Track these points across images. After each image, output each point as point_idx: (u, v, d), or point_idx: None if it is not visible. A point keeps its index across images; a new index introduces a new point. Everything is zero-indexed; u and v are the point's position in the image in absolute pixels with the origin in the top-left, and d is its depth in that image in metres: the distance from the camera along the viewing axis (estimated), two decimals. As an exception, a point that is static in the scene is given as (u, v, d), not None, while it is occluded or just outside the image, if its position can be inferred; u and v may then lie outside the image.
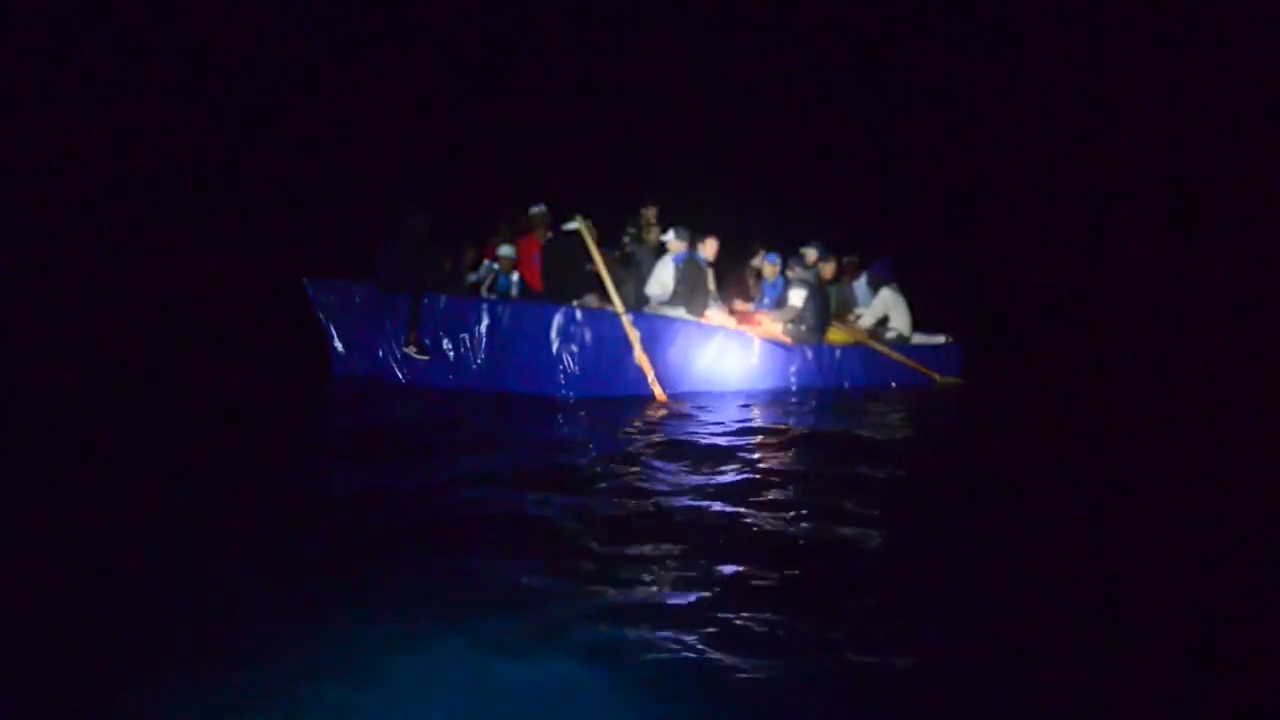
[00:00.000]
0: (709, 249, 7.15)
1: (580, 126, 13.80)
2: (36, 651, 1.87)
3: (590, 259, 6.24)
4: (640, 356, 6.07)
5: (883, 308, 8.19)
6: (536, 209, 7.27)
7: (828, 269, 7.79)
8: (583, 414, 5.48)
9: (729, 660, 1.91)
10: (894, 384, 7.92)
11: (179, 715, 1.63)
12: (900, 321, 8.23)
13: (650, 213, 7.69)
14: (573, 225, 6.33)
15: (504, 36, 14.18)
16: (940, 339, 8.55)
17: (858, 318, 8.23)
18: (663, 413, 5.62)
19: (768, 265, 7.68)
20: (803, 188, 13.21)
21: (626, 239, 7.69)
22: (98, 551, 2.49)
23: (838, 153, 15.06)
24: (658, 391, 6.05)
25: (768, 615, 2.17)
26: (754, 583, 2.42)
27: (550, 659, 1.89)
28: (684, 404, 5.95)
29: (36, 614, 2.07)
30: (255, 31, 11.74)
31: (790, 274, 7.53)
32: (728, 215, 10.10)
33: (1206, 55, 14.86)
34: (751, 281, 8.28)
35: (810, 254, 7.98)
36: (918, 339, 8.36)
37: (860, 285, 8.63)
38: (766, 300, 7.74)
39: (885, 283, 8.34)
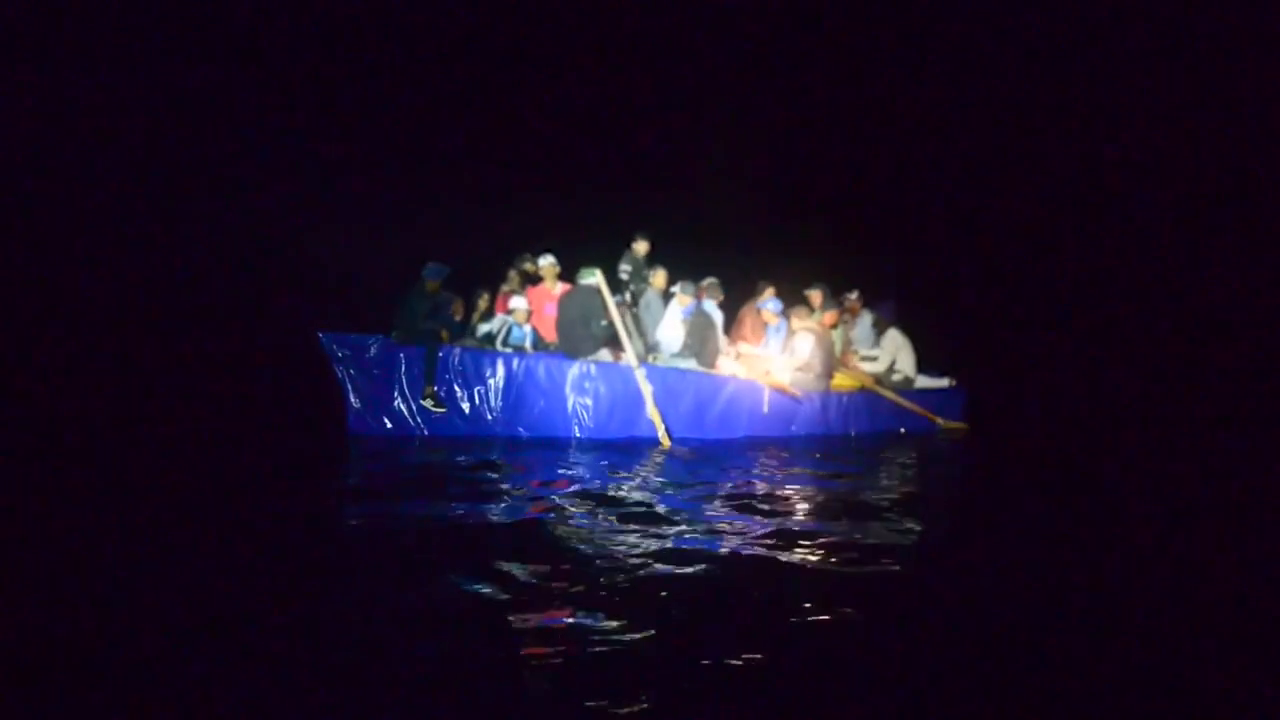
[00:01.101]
0: (714, 295, 7.29)
1: (581, 160, 13.98)
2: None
3: (605, 313, 6.34)
4: (652, 410, 6.17)
5: (892, 349, 8.30)
6: (545, 260, 7.37)
7: (830, 317, 7.88)
8: (592, 458, 5.56)
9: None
10: (903, 430, 8.01)
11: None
12: (906, 364, 8.34)
13: (641, 246, 7.80)
14: (590, 280, 6.42)
15: (504, 65, 14.39)
16: (944, 382, 8.64)
17: (866, 359, 8.33)
18: (673, 459, 5.72)
19: (768, 311, 7.77)
20: (806, 224, 13.40)
21: (624, 276, 7.80)
22: (107, 620, 2.55)
23: (840, 188, 15.30)
24: (665, 440, 6.15)
25: (759, 653, 2.32)
26: (749, 624, 2.57)
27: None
28: (694, 453, 6.03)
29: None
30: (269, 74, 11.93)
31: (795, 322, 7.61)
32: (728, 252, 10.33)
33: (1206, 79, 15.12)
34: (750, 321, 8.32)
35: (815, 295, 8.07)
36: (922, 381, 8.45)
37: (863, 325, 8.72)
38: (771, 344, 7.83)
39: (890, 324, 8.47)
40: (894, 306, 8.71)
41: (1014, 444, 8.02)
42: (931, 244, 14.96)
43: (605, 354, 6.46)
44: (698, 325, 6.96)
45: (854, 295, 8.79)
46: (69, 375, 8.91)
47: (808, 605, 2.72)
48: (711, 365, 6.97)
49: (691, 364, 6.79)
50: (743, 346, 7.88)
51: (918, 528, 4.00)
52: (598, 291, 6.36)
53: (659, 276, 7.49)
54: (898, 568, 3.27)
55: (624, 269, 7.82)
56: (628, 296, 7.70)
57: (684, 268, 7.77)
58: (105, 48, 11.08)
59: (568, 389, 6.24)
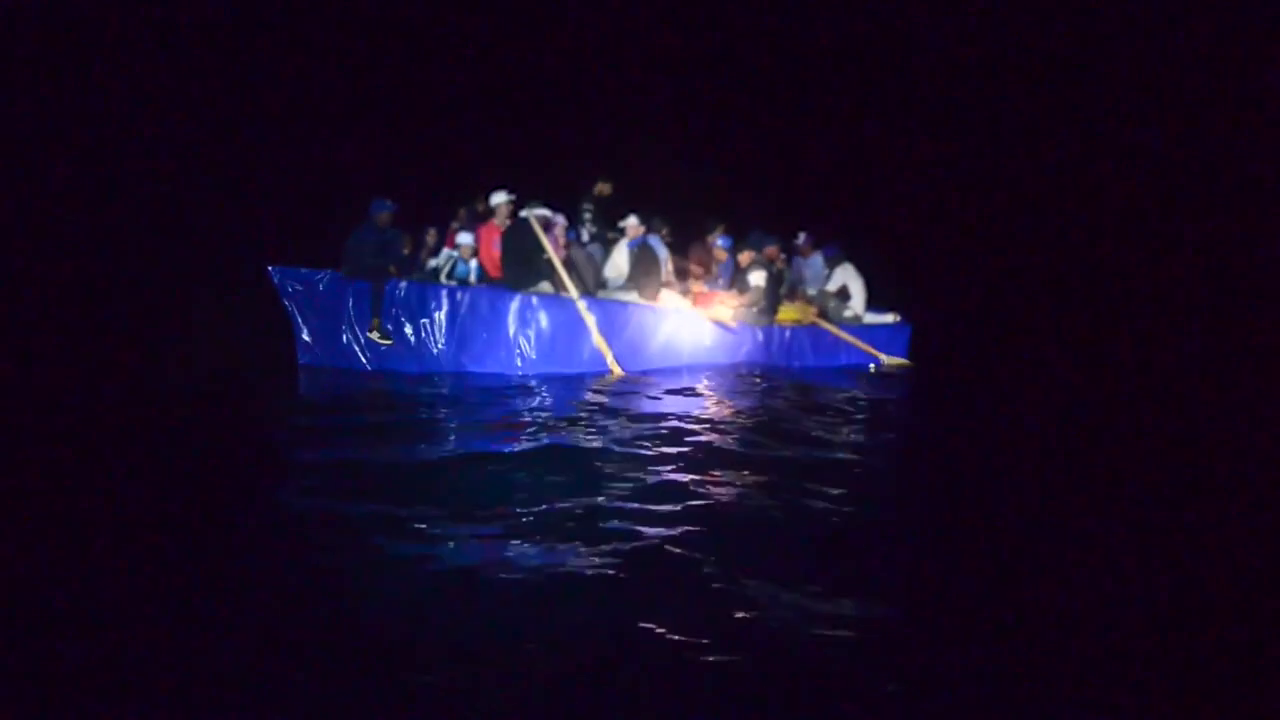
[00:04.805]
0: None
1: (541, 106, 13.92)
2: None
3: (542, 247, 6.48)
4: (598, 339, 6.38)
5: (843, 278, 8.49)
6: (497, 196, 7.45)
7: (772, 251, 8.04)
8: (542, 390, 5.76)
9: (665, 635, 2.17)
10: (872, 366, 8.20)
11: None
12: (857, 299, 8.52)
13: (603, 188, 7.96)
14: (523, 214, 6.57)
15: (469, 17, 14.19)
16: (890, 318, 8.84)
17: (818, 293, 8.51)
18: (618, 388, 5.93)
19: (718, 248, 7.92)
20: (753, 164, 13.45)
21: (586, 217, 7.92)
22: (61, 545, 2.65)
23: (790, 129, 15.27)
24: (615, 368, 6.37)
25: (701, 576, 2.47)
26: (689, 553, 2.69)
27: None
28: (638, 380, 6.23)
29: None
30: (226, 21, 11.74)
31: (744, 257, 7.74)
32: (684, 191, 10.41)
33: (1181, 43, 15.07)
34: (697, 261, 8.46)
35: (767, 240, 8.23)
36: (869, 318, 8.66)
37: (814, 265, 8.88)
38: (720, 280, 8.00)
39: (842, 260, 8.61)
40: (840, 247, 8.82)
41: (955, 381, 8.25)
42: (881, 184, 15.00)
43: (546, 287, 6.63)
44: (641, 259, 7.11)
45: (801, 238, 8.94)
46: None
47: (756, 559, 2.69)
48: (653, 299, 7.14)
49: (633, 296, 6.97)
50: (693, 284, 8.06)
51: (855, 468, 4.01)
52: (533, 227, 6.49)
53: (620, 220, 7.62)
54: (844, 515, 3.26)
55: (586, 208, 7.96)
56: (584, 235, 7.85)
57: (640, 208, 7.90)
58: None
59: (510, 321, 6.42)
